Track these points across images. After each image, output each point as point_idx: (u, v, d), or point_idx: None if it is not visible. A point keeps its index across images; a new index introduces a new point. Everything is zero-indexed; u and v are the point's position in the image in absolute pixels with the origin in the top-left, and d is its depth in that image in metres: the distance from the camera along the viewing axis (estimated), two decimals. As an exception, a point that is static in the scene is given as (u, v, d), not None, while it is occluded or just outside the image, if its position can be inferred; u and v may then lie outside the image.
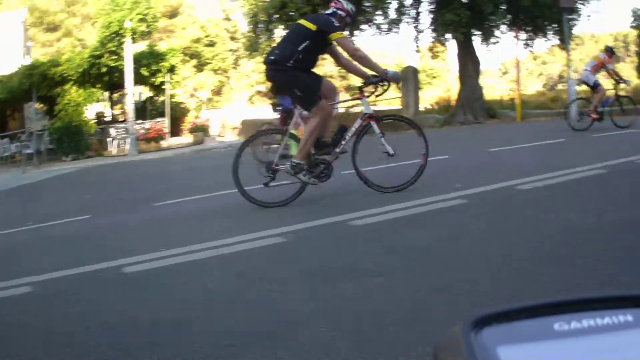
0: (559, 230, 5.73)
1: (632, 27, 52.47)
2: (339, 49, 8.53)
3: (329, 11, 8.54)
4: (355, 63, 8.40)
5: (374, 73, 8.44)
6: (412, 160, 8.72)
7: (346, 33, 9.04)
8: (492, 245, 5.33)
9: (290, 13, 28.50)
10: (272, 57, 8.16)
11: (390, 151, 8.40)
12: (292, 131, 8.60)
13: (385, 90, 8.67)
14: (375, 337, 3.50)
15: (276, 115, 17.10)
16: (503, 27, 31.86)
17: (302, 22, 8.40)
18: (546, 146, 13.78)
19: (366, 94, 8.52)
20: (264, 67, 8.45)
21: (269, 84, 10.29)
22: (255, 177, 8.50)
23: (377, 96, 8.69)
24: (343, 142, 8.42)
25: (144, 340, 3.86)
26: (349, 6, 8.53)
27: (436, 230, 6.19)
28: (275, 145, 15.80)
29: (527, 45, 32.87)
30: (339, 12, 8.44)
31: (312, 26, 8.16)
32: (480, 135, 19.96)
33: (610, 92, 17.60)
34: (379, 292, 4.34)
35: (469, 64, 30.64)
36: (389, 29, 31.57)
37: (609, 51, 17.69)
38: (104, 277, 5.57)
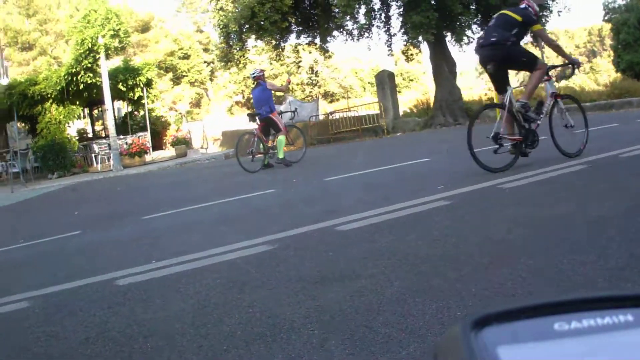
0: (543, 225, 5.86)
1: (605, 20, 53.10)
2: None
3: (522, 6, 9.96)
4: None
5: (552, 64, 10.76)
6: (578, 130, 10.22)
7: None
8: (475, 245, 5.43)
9: (261, 22, 28.56)
10: (494, 39, 9.60)
11: (571, 122, 10.16)
12: (515, 102, 9.84)
13: (572, 74, 10.84)
14: (366, 338, 3.60)
15: (254, 125, 17.36)
16: (475, 27, 32.00)
17: (507, 12, 9.91)
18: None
19: (553, 77, 10.54)
20: (476, 51, 10.02)
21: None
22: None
23: (566, 78, 12.39)
24: (542, 115, 9.99)
25: (143, 348, 3.98)
26: (537, 7, 10.03)
27: (420, 232, 6.25)
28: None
29: (501, 44, 33.06)
30: (530, 9, 9.86)
31: (518, 17, 9.71)
32: (460, 136, 19.65)
33: None
34: (366, 294, 4.42)
35: (443, 66, 30.63)
36: (360, 34, 31.58)
37: None
38: (99, 290, 5.67)
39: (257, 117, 17.00)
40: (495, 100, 11.07)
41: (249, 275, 5.44)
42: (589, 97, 31.55)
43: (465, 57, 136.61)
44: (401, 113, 33.93)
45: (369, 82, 71.85)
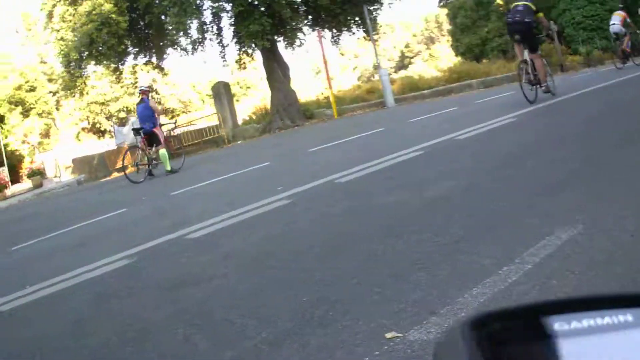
0: (378, 212, 6.33)
1: (440, 6, 53.77)
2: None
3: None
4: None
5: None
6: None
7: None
8: (315, 238, 5.83)
9: (99, 48, 28.23)
10: (528, 20, 13.54)
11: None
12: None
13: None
14: (225, 329, 3.95)
15: (126, 140, 17.79)
16: (305, 29, 32.17)
17: (527, 3, 13.68)
18: (366, 137, 14.44)
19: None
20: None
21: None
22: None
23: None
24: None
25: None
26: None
27: (263, 232, 6.62)
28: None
29: (335, 42, 33.32)
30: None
31: (533, 6, 13.66)
32: (299, 137, 20.58)
33: None
34: (221, 292, 4.76)
35: (277, 70, 30.64)
36: (194, 49, 31.26)
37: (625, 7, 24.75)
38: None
39: (140, 132, 17.56)
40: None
41: (113, 288, 5.71)
42: (427, 84, 32.26)
43: (301, 58, 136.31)
44: (241, 121, 33.88)
45: (207, 95, 71.00)
